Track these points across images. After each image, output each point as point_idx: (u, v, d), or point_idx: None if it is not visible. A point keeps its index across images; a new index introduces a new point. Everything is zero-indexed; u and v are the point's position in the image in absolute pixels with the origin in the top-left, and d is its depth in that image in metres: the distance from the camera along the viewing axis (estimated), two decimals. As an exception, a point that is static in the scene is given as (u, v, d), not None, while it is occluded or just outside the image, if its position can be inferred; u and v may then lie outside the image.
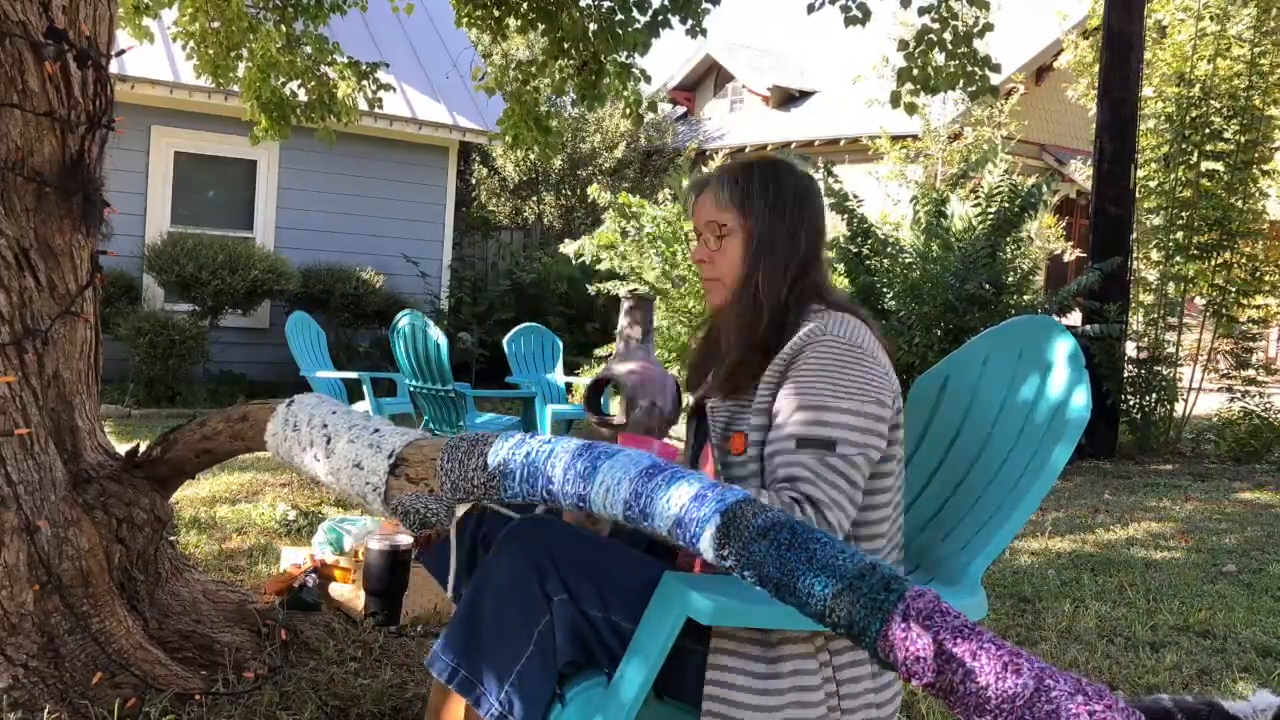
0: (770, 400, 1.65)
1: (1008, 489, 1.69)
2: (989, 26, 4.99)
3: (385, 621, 2.94)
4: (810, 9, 5.10)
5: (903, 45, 5.08)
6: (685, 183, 1.90)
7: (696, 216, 1.83)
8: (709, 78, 20.73)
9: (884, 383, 1.64)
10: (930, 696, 0.99)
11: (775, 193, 1.77)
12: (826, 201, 7.46)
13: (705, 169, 12.11)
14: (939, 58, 4.99)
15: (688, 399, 1.93)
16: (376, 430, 1.64)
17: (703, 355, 1.90)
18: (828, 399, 1.58)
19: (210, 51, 5.52)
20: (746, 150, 17.58)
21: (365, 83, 5.92)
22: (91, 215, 2.37)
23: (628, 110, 5.65)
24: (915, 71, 5.00)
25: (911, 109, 5.13)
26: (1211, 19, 8.23)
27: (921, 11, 5.00)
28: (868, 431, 1.58)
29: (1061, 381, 1.70)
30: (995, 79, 5.08)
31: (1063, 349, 1.73)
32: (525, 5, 5.29)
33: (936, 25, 4.98)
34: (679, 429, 2.51)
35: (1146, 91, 8.35)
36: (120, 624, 2.26)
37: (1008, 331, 1.90)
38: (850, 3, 5.00)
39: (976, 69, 4.96)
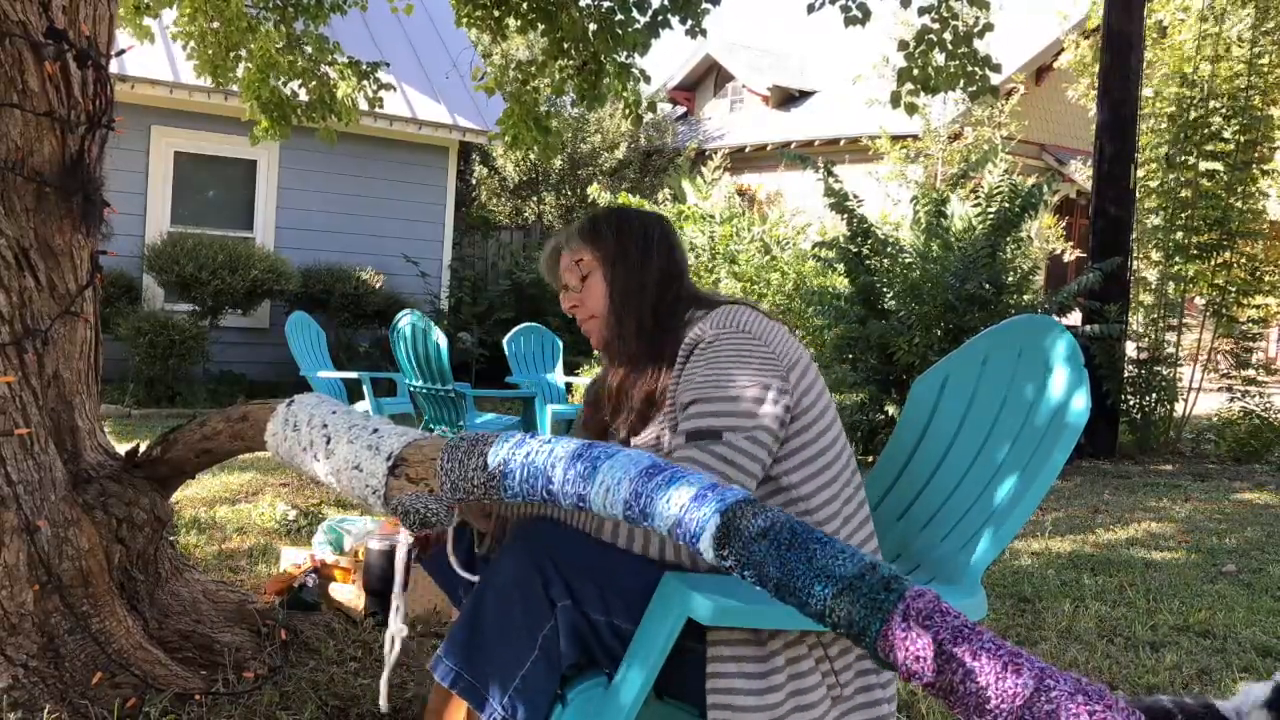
0: (675, 413, 1.71)
1: (1007, 489, 1.69)
2: (989, 26, 4.99)
3: (385, 622, 2.93)
4: (810, 9, 5.10)
5: (903, 45, 5.08)
6: (541, 263, 2.04)
7: (562, 274, 1.93)
8: (709, 78, 20.72)
9: (770, 361, 1.67)
10: (930, 696, 0.99)
11: (620, 224, 1.90)
12: (826, 201, 7.53)
13: (704, 169, 12.12)
14: (939, 58, 4.98)
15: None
16: (376, 430, 1.64)
17: (601, 399, 1.95)
18: (710, 389, 1.64)
19: (210, 51, 5.51)
20: (746, 150, 17.57)
21: (366, 82, 5.92)
22: (91, 215, 2.37)
23: (627, 111, 5.65)
24: (915, 71, 5.00)
25: (911, 109, 5.13)
26: (1214, 20, 8.23)
27: (921, 11, 4.99)
28: (753, 414, 1.62)
29: (1061, 382, 1.70)
30: (995, 79, 5.08)
31: (1062, 349, 1.73)
32: (525, 5, 5.29)
33: (936, 25, 4.98)
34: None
35: (1146, 92, 8.35)
36: (120, 624, 2.26)
37: (1007, 331, 1.90)
38: (850, 3, 4.99)
39: (977, 69, 4.96)
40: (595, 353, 9.61)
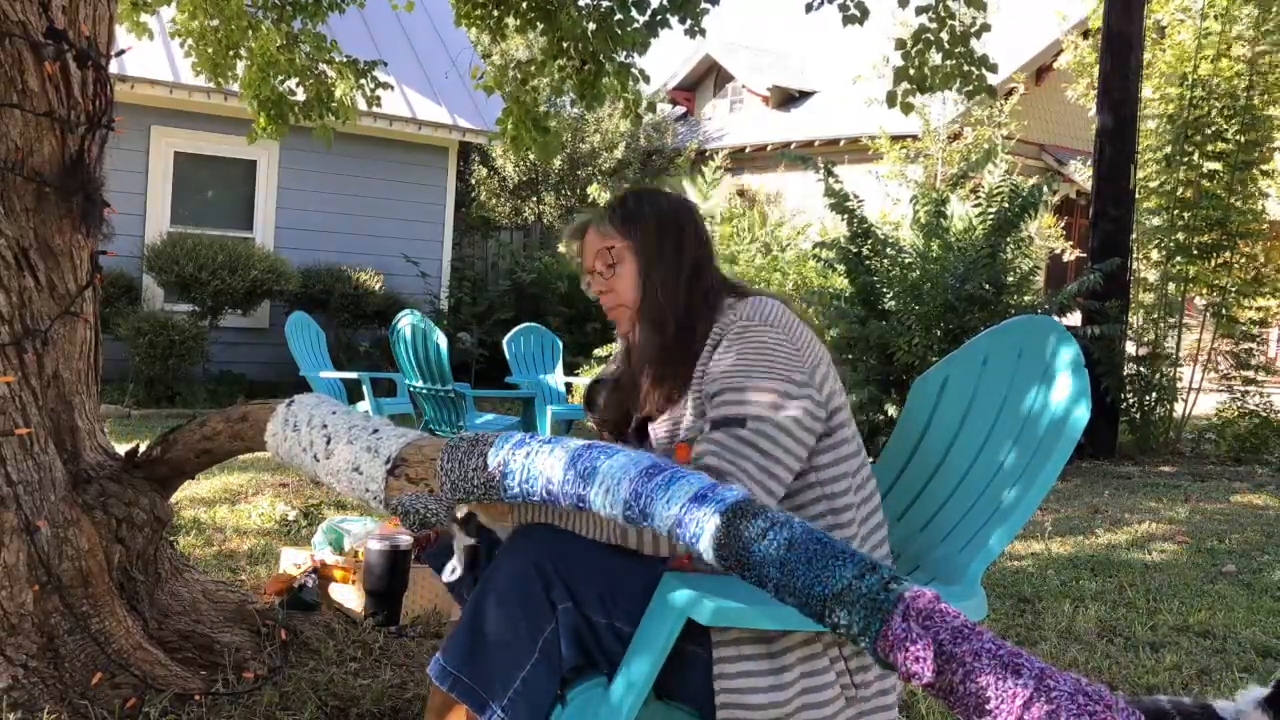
0: (701, 401, 1.70)
1: (1007, 489, 1.69)
2: (986, 27, 4.99)
3: (385, 622, 2.93)
4: (808, 8, 5.09)
5: (900, 44, 5.08)
6: (564, 240, 1.98)
7: (586, 256, 1.90)
8: (709, 78, 20.72)
9: (796, 358, 1.67)
10: (930, 696, 0.99)
11: (652, 210, 1.86)
12: (826, 201, 7.54)
13: (704, 169, 12.12)
14: (936, 57, 4.98)
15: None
16: (376, 431, 1.64)
17: (625, 384, 1.93)
18: (739, 380, 1.63)
19: (209, 50, 5.51)
20: (746, 150, 17.56)
21: (364, 81, 5.91)
22: (92, 215, 2.37)
23: (627, 111, 5.65)
24: (912, 71, 5.00)
25: (908, 109, 5.13)
26: (1216, 19, 8.23)
27: (919, 11, 4.99)
28: (781, 406, 1.61)
29: (1061, 383, 1.70)
30: (992, 79, 5.08)
31: (1062, 349, 1.73)
32: (524, 4, 5.28)
33: (934, 25, 4.98)
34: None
35: (1146, 92, 8.35)
36: (120, 624, 2.26)
37: (1007, 332, 1.90)
38: (848, 2, 4.99)
39: (973, 69, 4.95)
40: (593, 353, 9.63)
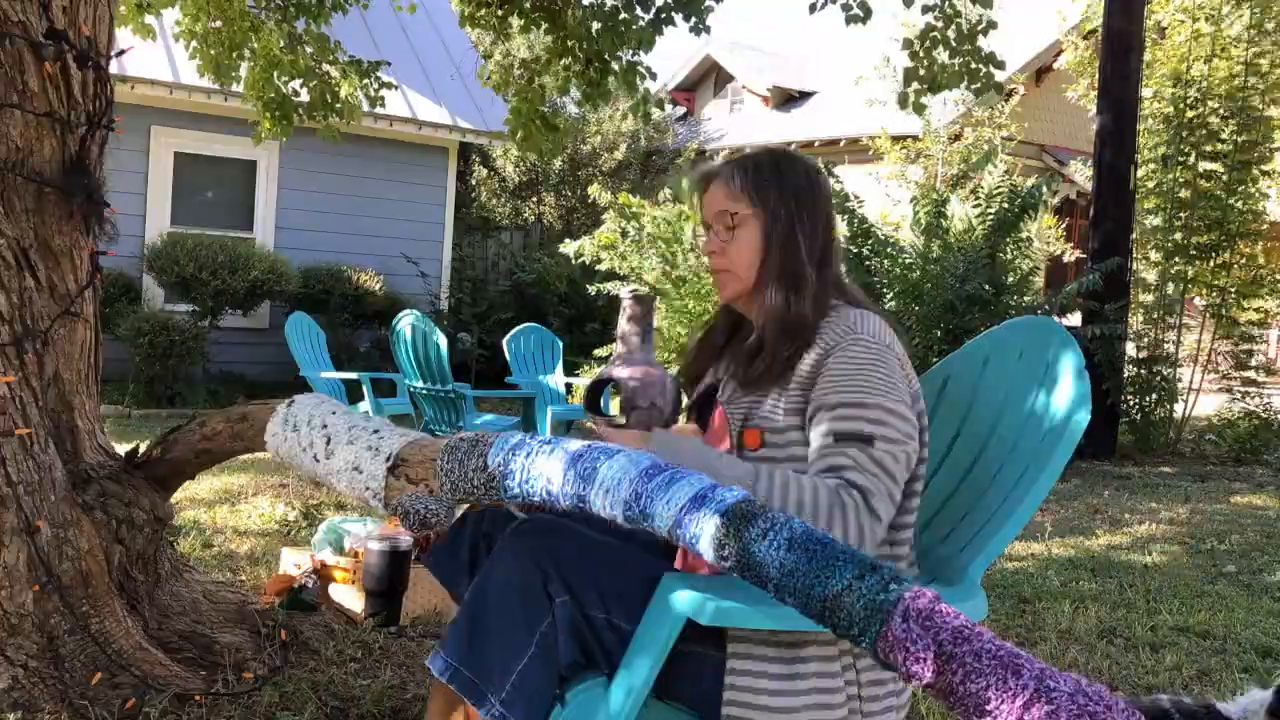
0: (801, 401, 1.64)
1: (1007, 490, 1.69)
2: (993, 24, 4.99)
3: (385, 622, 2.93)
4: (812, 8, 5.09)
5: (907, 44, 5.08)
6: (687, 179, 1.90)
7: (706, 208, 1.79)
8: (709, 78, 20.72)
9: (909, 385, 1.65)
10: (930, 697, 0.99)
11: (787, 181, 1.75)
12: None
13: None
14: (943, 56, 4.98)
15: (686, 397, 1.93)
16: (377, 432, 1.64)
17: (707, 346, 1.89)
18: (864, 396, 1.57)
19: (213, 51, 5.52)
20: (746, 151, 17.54)
21: (367, 81, 5.92)
22: (92, 216, 2.37)
23: (636, 109, 5.65)
24: (921, 71, 5.00)
25: (920, 109, 5.14)
26: (1208, 20, 8.23)
27: (925, 9, 4.99)
28: (901, 430, 1.58)
29: (1062, 383, 1.70)
30: (999, 76, 5.09)
31: (1063, 350, 1.73)
32: (529, 4, 5.29)
33: (940, 23, 4.98)
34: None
35: (1146, 92, 8.35)
36: (120, 624, 2.26)
37: (1007, 332, 1.90)
38: (851, 1, 4.99)
39: (981, 66, 4.96)
40: (593, 353, 9.62)
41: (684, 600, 1.45)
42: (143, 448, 2.43)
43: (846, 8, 5.00)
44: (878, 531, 1.52)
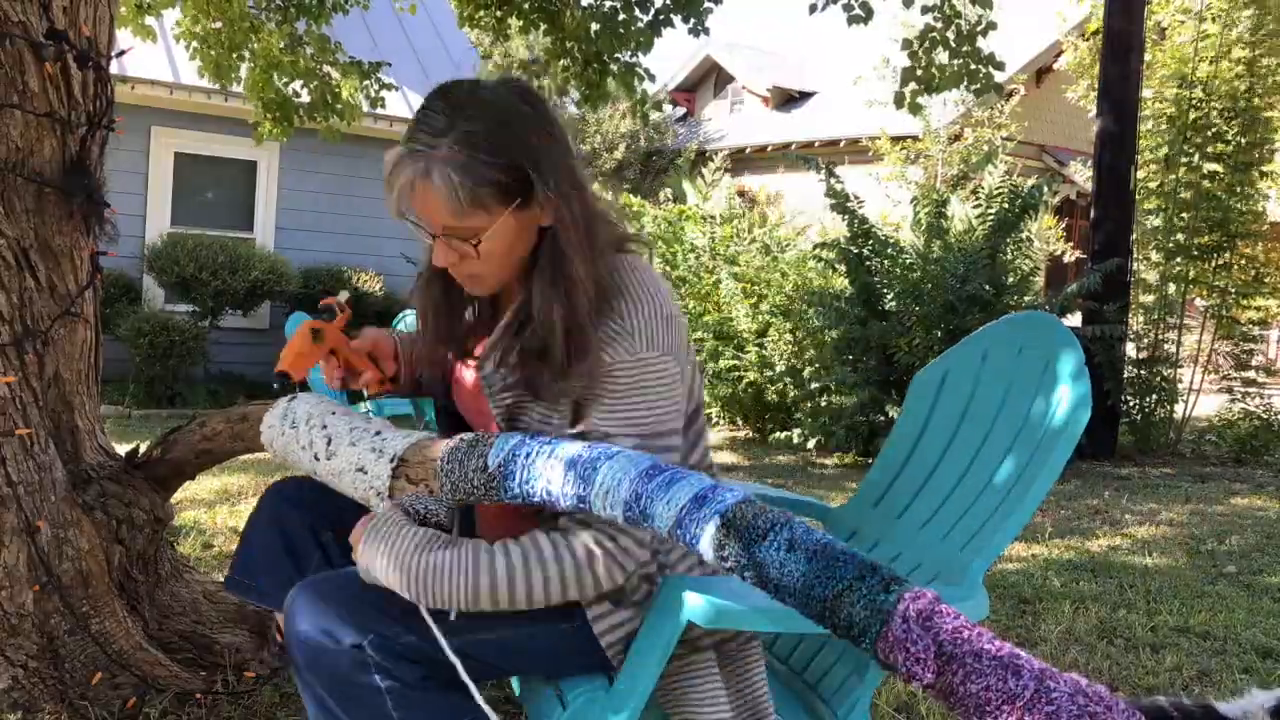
0: (569, 414, 1.49)
1: (1007, 488, 1.69)
2: (992, 25, 5.00)
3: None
4: (812, 9, 5.10)
5: (906, 44, 5.08)
6: (386, 164, 1.53)
7: (424, 216, 1.43)
8: (709, 79, 20.73)
9: (676, 385, 1.47)
10: (931, 698, 0.99)
11: (519, 146, 1.40)
12: (827, 202, 7.53)
13: (704, 170, 12.11)
14: (942, 56, 4.99)
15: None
16: (379, 433, 1.63)
17: (450, 316, 1.65)
18: (641, 429, 1.44)
19: (213, 53, 5.53)
20: (747, 151, 17.55)
21: (368, 82, 5.93)
22: (93, 216, 2.37)
23: (635, 110, 5.67)
24: (919, 71, 5.01)
25: (916, 109, 5.14)
26: (1212, 20, 8.24)
27: (924, 10, 5.00)
28: (673, 443, 1.47)
29: (1061, 380, 1.70)
30: (999, 76, 5.09)
31: (1063, 346, 1.72)
32: (527, 5, 5.29)
33: (939, 24, 4.98)
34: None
35: (1146, 93, 8.35)
36: (120, 625, 2.26)
37: (1007, 328, 1.89)
38: (853, 2, 5.00)
39: (980, 67, 4.96)
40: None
41: (692, 604, 1.44)
42: (143, 448, 2.43)
43: (848, 8, 5.00)
44: (628, 562, 1.43)
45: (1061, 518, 5.33)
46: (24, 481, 2.12)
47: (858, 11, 4.99)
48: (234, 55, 5.55)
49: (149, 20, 5.61)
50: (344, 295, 1.81)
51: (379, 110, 6.67)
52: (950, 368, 1.97)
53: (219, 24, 5.42)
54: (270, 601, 1.70)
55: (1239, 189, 8.26)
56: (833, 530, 2.01)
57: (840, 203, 7.35)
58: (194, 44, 5.57)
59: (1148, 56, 8.35)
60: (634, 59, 5.38)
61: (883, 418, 6.98)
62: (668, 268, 8.12)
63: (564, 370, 1.44)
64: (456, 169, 1.36)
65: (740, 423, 8.83)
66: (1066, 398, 1.67)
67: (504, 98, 1.42)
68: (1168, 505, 5.84)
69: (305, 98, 5.83)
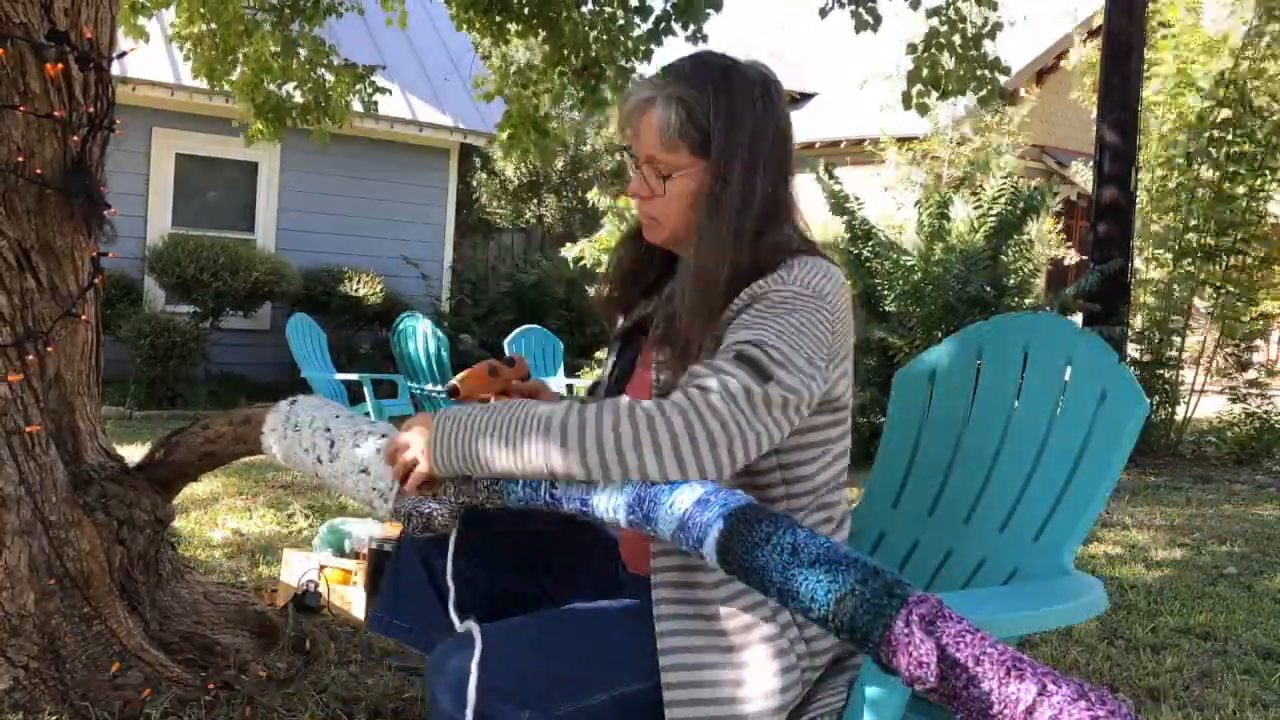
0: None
1: (1065, 477, 1.64)
2: (998, 26, 4.98)
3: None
4: (822, 13, 5.09)
5: (911, 48, 5.07)
6: (620, 103, 1.55)
7: (638, 139, 1.52)
8: (710, 80, 20.70)
9: (830, 339, 1.42)
10: (934, 702, 0.99)
11: (738, 118, 1.47)
12: (826, 204, 7.53)
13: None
14: (948, 61, 4.98)
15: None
16: (384, 435, 1.64)
17: (634, 280, 1.67)
18: (771, 338, 1.36)
19: (209, 54, 5.53)
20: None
21: (361, 85, 5.92)
22: (93, 217, 2.37)
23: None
24: (925, 73, 5.00)
25: (924, 109, 5.12)
26: (1220, 21, 8.23)
27: (930, 14, 4.99)
28: (799, 379, 1.35)
29: (1084, 354, 1.69)
30: (1003, 80, 5.08)
31: (1088, 340, 1.71)
32: (526, 10, 5.29)
33: (945, 28, 4.97)
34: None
35: (1147, 94, 8.35)
36: (121, 625, 2.26)
37: (1009, 324, 1.89)
38: (861, 8, 4.99)
39: (986, 71, 4.95)
40: (594, 354, 9.61)
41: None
42: (144, 451, 2.43)
43: (856, 14, 4.99)
44: (741, 451, 1.30)
45: (1062, 519, 5.33)
46: (25, 482, 2.12)
47: (866, 18, 4.98)
48: (228, 57, 5.55)
49: (146, 21, 5.60)
50: (524, 359, 1.80)
51: (379, 112, 6.66)
52: (938, 364, 1.95)
53: (214, 25, 5.42)
54: (416, 643, 1.68)
55: (1242, 190, 8.25)
56: (854, 536, 1.97)
57: (839, 204, 7.35)
58: (188, 45, 5.57)
59: (1150, 56, 8.34)
60: (629, 65, 5.36)
61: (884, 419, 6.97)
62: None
63: (693, 327, 1.44)
64: (678, 106, 1.48)
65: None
66: (1106, 372, 1.66)
67: (747, 81, 1.50)
68: (1168, 506, 5.84)
69: (299, 99, 5.82)
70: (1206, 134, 8.20)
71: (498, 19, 5.36)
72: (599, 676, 1.39)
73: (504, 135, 5.64)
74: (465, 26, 5.53)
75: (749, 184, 1.47)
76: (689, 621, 1.40)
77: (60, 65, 2.24)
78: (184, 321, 8.65)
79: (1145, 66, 8.20)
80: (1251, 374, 8.43)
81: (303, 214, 10.30)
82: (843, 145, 15.57)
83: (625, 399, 1.33)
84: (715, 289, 1.44)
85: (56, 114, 2.25)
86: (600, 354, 9.29)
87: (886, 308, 7.12)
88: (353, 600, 3.05)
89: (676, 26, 5.13)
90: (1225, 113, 8.18)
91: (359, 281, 9.92)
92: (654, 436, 1.28)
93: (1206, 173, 8.24)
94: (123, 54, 2.73)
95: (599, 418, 1.30)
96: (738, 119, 1.47)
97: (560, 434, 1.31)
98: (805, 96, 19.16)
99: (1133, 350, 8.29)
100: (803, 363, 1.36)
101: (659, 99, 1.49)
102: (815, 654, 1.43)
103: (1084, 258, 10.79)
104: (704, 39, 5.26)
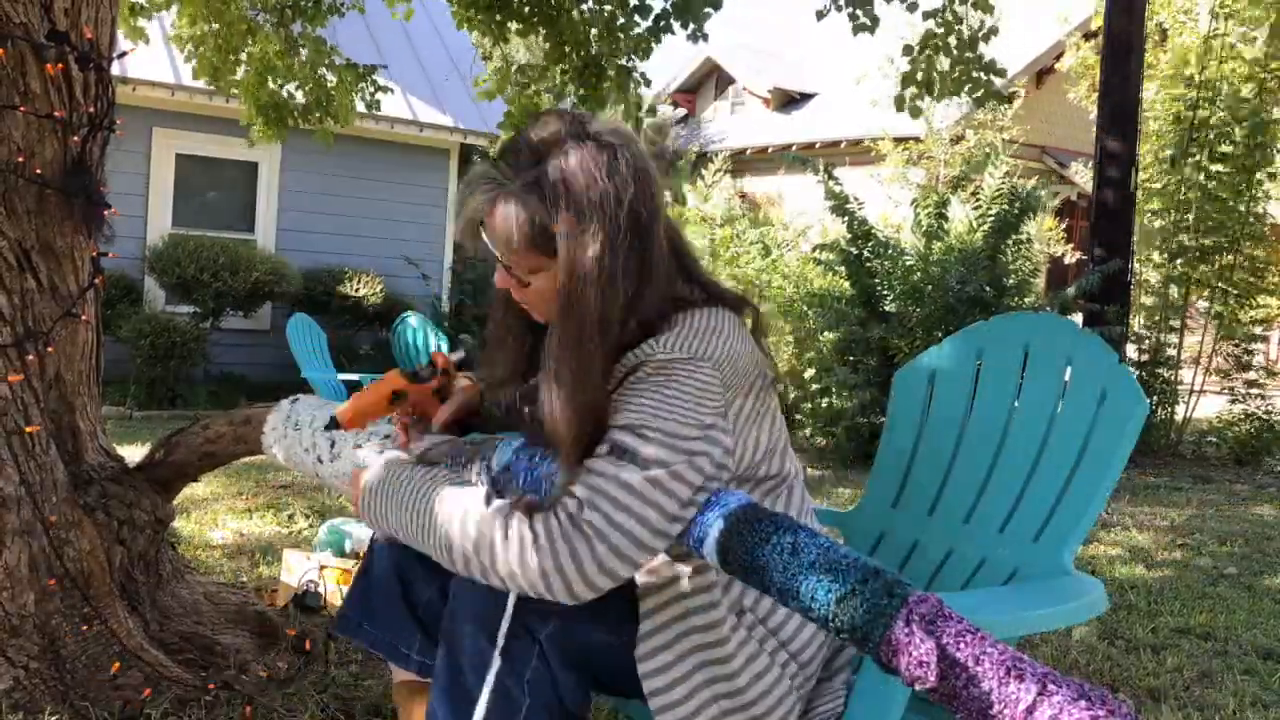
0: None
1: (1064, 477, 1.65)
2: (994, 30, 4.98)
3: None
4: (819, 15, 5.09)
5: (907, 50, 5.07)
6: (466, 187, 1.43)
7: (489, 232, 1.43)
8: (710, 80, 20.73)
9: (712, 394, 1.36)
10: (934, 702, 0.99)
11: (578, 211, 1.34)
12: (826, 204, 7.53)
13: (705, 172, 12.09)
14: (944, 63, 4.98)
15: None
16: (387, 436, 1.64)
17: (512, 351, 1.61)
18: (647, 419, 1.32)
19: (211, 55, 5.52)
20: (747, 153, 17.53)
21: (363, 85, 5.92)
22: (93, 217, 2.37)
23: (628, 115, 5.65)
24: (919, 75, 5.00)
25: (916, 112, 5.13)
26: (1219, 21, 8.23)
27: (926, 16, 4.99)
28: (690, 450, 1.32)
29: (1085, 353, 1.69)
30: (999, 83, 5.08)
31: (1089, 340, 1.71)
32: (526, 9, 5.29)
33: (941, 30, 4.97)
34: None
35: (1147, 94, 8.35)
36: (121, 625, 2.26)
37: (1008, 323, 1.88)
38: (859, 10, 4.99)
39: (981, 74, 4.95)
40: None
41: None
42: (144, 451, 2.43)
43: (854, 17, 4.99)
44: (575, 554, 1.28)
45: (1062, 519, 5.33)
46: (26, 482, 2.12)
47: (864, 20, 4.97)
48: (230, 58, 5.55)
49: (145, 23, 5.60)
50: (458, 354, 1.70)
51: (379, 112, 6.66)
52: (938, 364, 1.95)
53: (215, 26, 5.41)
54: (380, 648, 1.69)
55: (1241, 190, 8.26)
56: (855, 536, 1.98)
57: (839, 204, 7.35)
58: (190, 46, 5.57)
59: (1149, 57, 8.34)
60: (630, 63, 5.36)
61: (884, 419, 6.98)
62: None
63: (560, 434, 1.37)
64: (518, 209, 1.37)
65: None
66: (1104, 372, 1.66)
67: (588, 157, 1.36)
68: (1168, 507, 5.84)
69: (301, 99, 5.82)
70: (1186, 135, 8.20)
71: (498, 18, 5.36)
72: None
73: (504, 135, 5.64)
74: (466, 25, 5.53)
75: (608, 270, 1.34)
76: (681, 662, 1.42)
77: (60, 65, 2.24)
78: (184, 321, 8.65)
79: (1148, 67, 8.20)
80: (1251, 374, 8.42)
81: (303, 214, 10.30)
82: (842, 145, 15.57)
83: (518, 513, 1.32)
84: (579, 397, 1.35)
85: (56, 114, 2.25)
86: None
87: (886, 308, 7.12)
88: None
89: (676, 25, 5.12)
90: (1203, 114, 8.18)
91: (359, 282, 9.93)
92: (524, 570, 1.29)
93: (1191, 173, 8.24)
94: (123, 54, 2.73)
95: (479, 528, 1.33)
96: (581, 211, 1.34)
97: (446, 539, 1.37)
98: (805, 96, 19.16)
99: (1132, 350, 8.29)
100: (691, 431, 1.32)
101: (499, 200, 1.39)
102: (803, 664, 1.45)
103: (1084, 257, 10.80)
104: (704, 38, 5.25)
